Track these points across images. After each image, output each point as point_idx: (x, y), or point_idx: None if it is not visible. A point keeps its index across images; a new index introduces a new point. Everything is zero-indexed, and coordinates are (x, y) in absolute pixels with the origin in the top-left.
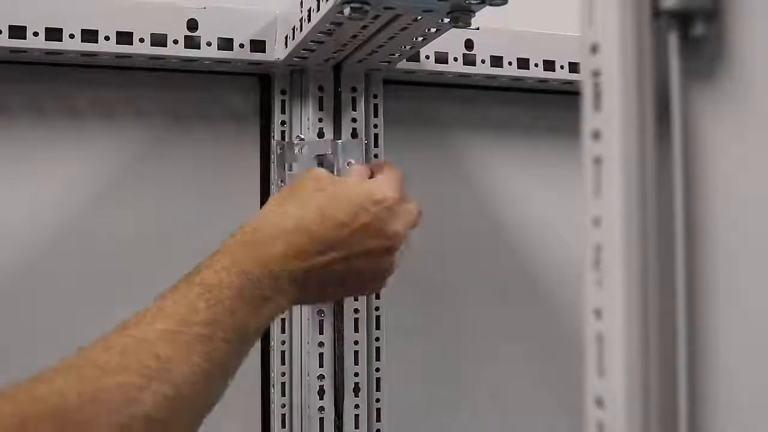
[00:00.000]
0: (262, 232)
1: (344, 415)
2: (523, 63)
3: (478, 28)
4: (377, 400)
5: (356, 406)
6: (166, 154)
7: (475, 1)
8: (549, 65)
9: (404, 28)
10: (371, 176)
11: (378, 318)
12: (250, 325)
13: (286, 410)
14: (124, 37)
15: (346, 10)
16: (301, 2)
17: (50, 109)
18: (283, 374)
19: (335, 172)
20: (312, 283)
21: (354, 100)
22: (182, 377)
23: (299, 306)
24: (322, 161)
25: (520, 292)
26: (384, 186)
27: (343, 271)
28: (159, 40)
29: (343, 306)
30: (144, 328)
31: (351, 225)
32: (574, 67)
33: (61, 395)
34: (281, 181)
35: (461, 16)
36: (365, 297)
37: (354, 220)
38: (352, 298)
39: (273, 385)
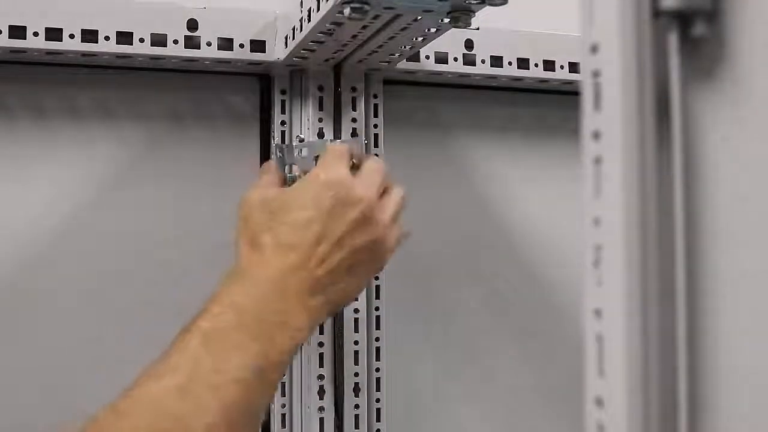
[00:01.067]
0: (244, 268)
1: (344, 415)
2: (523, 63)
3: (478, 28)
4: (377, 400)
5: (356, 406)
6: (166, 154)
7: (475, 1)
8: (549, 65)
9: (404, 28)
10: (355, 164)
11: (378, 318)
12: (265, 359)
13: (286, 410)
14: (124, 37)
15: (346, 10)
16: (301, 2)
17: (50, 109)
18: (283, 374)
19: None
20: (323, 284)
21: (354, 100)
22: (203, 429)
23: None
24: None
25: (520, 292)
26: (330, 166)
27: (346, 255)
28: (159, 40)
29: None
30: (152, 388)
31: (319, 216)
32: (574, 67)
33: None
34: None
35: (461, 16)
36: (365, 297)
37: (319, 210)
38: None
39: None
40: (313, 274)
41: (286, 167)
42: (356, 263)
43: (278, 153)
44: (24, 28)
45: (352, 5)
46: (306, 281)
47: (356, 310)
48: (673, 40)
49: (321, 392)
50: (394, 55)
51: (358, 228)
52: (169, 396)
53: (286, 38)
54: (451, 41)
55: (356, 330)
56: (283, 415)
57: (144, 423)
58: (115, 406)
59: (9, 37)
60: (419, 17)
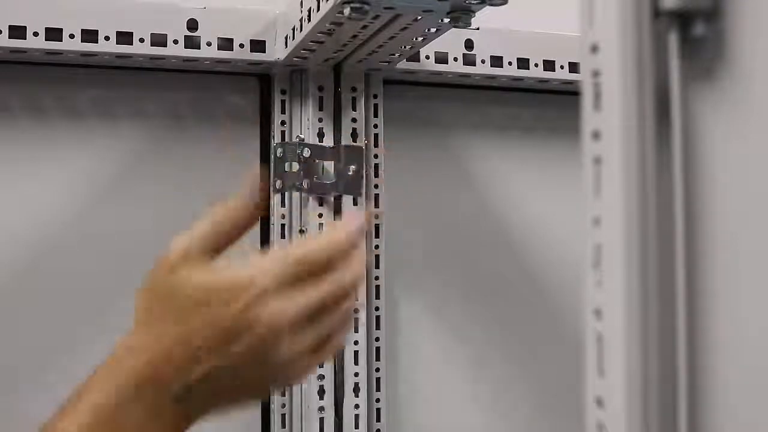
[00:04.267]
0: (116, 354)
1: (344, 415)
2: (523, 63)
3: (478, 28)
4: (377, 400)
5: (356, 406)
6: (165, 153)
7: (475, 1)
8: (549, 65)
9: (404, 28)
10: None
11: (378, 318)
12: None
13: (286, 410)
14: (124, 37)
15: (346, 10)
16: (301, 2)
17: (50, 109)
18: None
19: (335, 175)
20: (203, 394)
21: (354, 100)
22: None
23: None
24: (322, 165)
25: (520, 292)
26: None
27: (222, 365)
28: (159, 40)
29: None
30: None
31: (180, 318)
32: (574, 67)
33: None
34: (280, 182)
35: (461, 16)
36: (365, 297)
37: (180, 310)
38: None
39: None
40: (170, 386)
41: (287, 165)
42: (231, 375)
43: (281, 153)
44: (24, 28)
45: (352, 5)
46: (161, 393)
47: (356, 311)
48: (673, 40)
49: (321, 392)
50: (394, 55)
51: (226, 338)
52: None
53: (286, 38)
54: (451, 41)
55: (356, 330)
56: (283, 415)
57: None
58: None
59: (9, 37)
60: (419, 17)
